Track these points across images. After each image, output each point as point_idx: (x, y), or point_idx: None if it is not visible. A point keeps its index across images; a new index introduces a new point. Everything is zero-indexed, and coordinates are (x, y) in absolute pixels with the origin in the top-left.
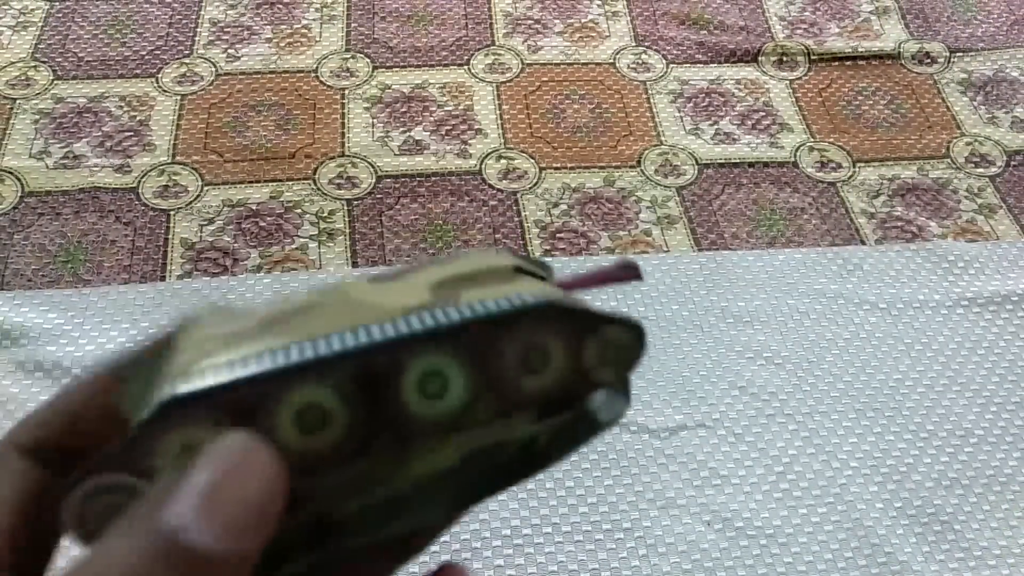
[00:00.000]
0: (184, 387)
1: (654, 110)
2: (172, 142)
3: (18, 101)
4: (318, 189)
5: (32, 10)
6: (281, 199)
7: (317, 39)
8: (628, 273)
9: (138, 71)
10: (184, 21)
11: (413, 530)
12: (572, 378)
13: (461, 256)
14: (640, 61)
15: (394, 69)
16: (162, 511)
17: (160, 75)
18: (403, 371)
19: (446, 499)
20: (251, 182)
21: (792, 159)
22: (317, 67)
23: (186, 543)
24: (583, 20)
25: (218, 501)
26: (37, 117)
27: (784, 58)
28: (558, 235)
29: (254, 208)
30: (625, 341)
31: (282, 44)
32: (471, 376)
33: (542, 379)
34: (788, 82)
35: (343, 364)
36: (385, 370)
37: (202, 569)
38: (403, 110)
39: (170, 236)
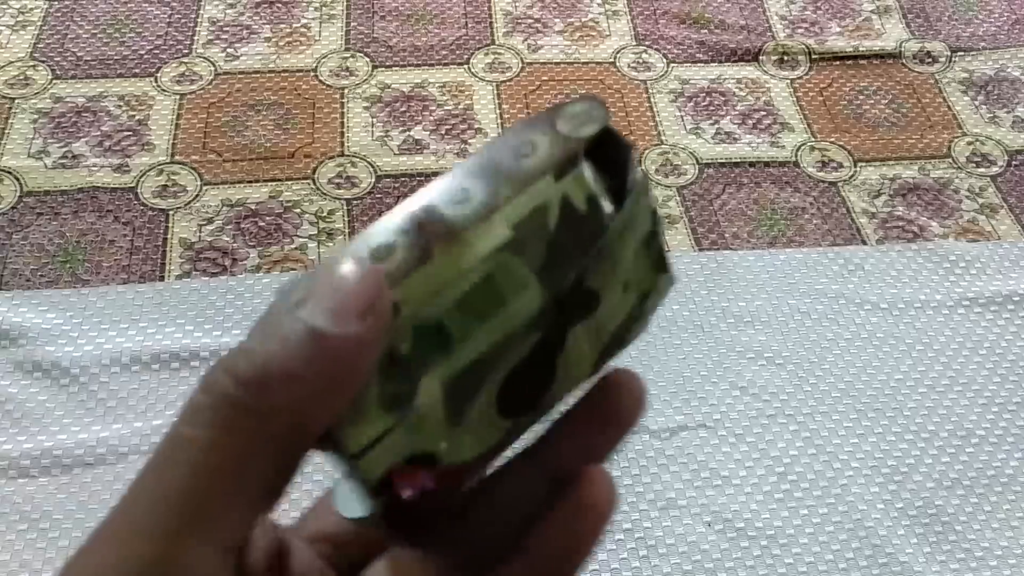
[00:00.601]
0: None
1: (655, 109)
2: (171, 142)
3: (17, 101)
4: (317, 189)
5: (31, 9)
6: (280, 199)
7: (316, 38)
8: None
9: (137, 70)
10: (183, 20)
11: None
12: (561, 147)
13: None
14: (641, 60)
15: (394, 68)
16: (297, 307)
17: (159, 74)
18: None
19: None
20: (250, 182)
21: (793, 159)
22: (316, 66)
23: (310, 325)
24: (583, 19)
25: (335, 299)
26: (36, 117)
27: (785, 57)
28: None
29: (253, 208)
30: (581, 110)
31: (281, 43)
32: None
33: (536, 158)
34: (789, 81)
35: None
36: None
37: (325, 344)
38: (403, 109)
39: (169, 236)
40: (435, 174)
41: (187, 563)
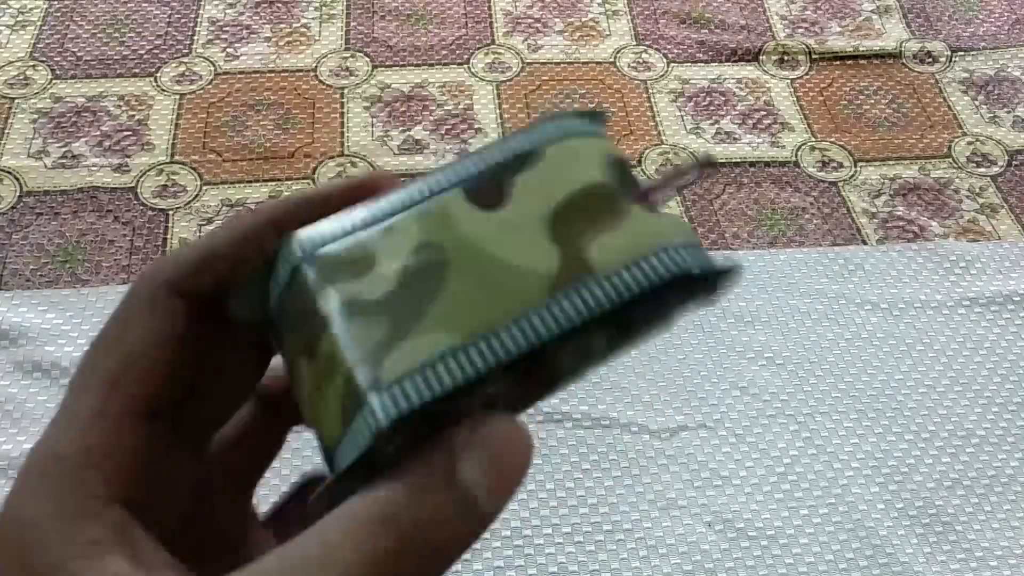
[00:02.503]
0: (389, 406)
1: (655, 109)
2: (171, 141)
3: (16, 100)
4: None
5: (31, 9)
6: (280, 199)
7: (316, 38)
8: (705, 168)
9: (137, 70)
10: (183, 20)
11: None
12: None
13: (545, 155)
14: (641, 60)
15: (393, 68)
16: (458, 471)
17: (159, 74)
18: (560, 351)
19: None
20: (250, 182)
21: (793, 159)
22: (316, 66)
23: (474, 498)
24: (583, 19)
25: (498, 469)
26: (35, 116)
27: (785, 57)
28: None
29: (253, 208)
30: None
31: (281, 43)
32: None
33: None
34: (789, 81)
35: (516, 358)
36: (545, 354)
37: (481, 520)
38: (403, 109)
39: (169, 236)
40: None
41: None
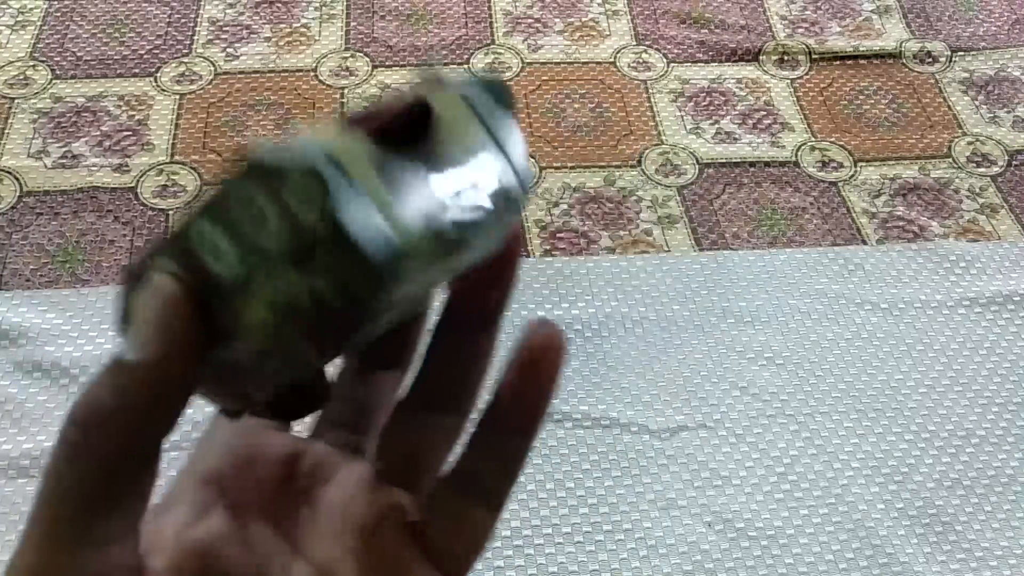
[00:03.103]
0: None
1: (655, 109)
2: (171, 141)
3: (16, 100)
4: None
5: (31, 9)
6: None
7: (316, 38)
8: (414, 106)
9: (137, 70)
10: (183, 20)
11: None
12: (294, 226)
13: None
14: (641, 60)
15: (394, 68)
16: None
17: (159, 74)
18: (191, 235)
19: (290, 352)
20: None
21: (793, 159)
22: (316, 66)
23: (119, 358)
24: (583, 19)
25: (134, 324)
26: (35, 116)
27: (785, 57)
28: (558, 235)
29: None
30: (306, 186)
31: (281, 43)
32: (229, 239)
33: (271, 234)
34: (789, 81)
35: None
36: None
37: (130, 374)
38: None
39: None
40: None
41: (60, 564)
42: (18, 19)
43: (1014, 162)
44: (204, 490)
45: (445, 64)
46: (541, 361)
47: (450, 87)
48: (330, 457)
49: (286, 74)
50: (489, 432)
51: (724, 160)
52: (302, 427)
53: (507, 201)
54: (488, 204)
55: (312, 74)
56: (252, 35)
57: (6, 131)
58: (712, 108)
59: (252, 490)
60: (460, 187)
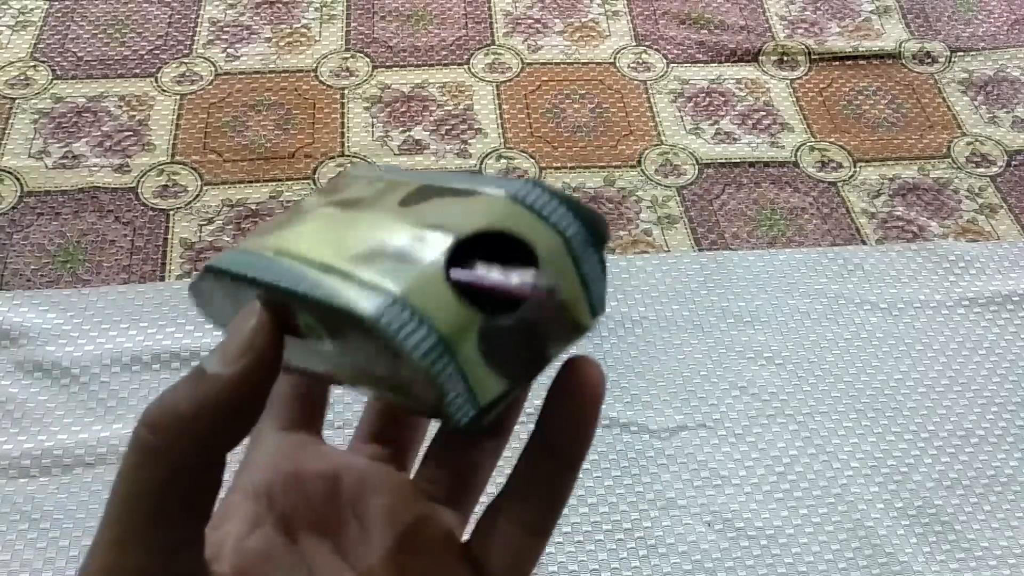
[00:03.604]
0: (219, 260)
1: (654, 110)
2: (171, 142)
3: (17, 101)
4: (317, 188)
5: (31, 9)
6: (281, 199)
7: (317, 38)
8: (514, 289)
9: (137, 71)
10: (183, 21)
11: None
12: (398, 382)
13: (477, 194)
14: (640, 61)
15: (394, 68)
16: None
17: (159, 75)
18: (293, 314)
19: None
20: (250, 182)
21: (793, 159)
22: (317, 66)
23: (205, 368)
24: (583, 19)
25: (224, 343)
26: (36, 117)
27: (785, 58)
28: None
29: (253, 208)
30: (422, 379)
31: (282, 43)
32: (329, 336)
33: (378, 369)
34: (789, 82)
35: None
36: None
37: (212, 385)
38: (403, 110)
39: (169, 236)
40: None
41: (132, 568)
42: (19, 19)
43: (1013, 162)
44: (255, 504)
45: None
46: (586, 398)
47: (552, 220)
48: (373, 472)
49: (286, 74)
50: (537, 463)
51: (724, 160)
52: (342, 440)
53: (578, 333)
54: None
55: (312, 74)
56: (252, 35)
57: (7, 131)
58: (712, 108)
59: (300, 504)
60: (546, 335)
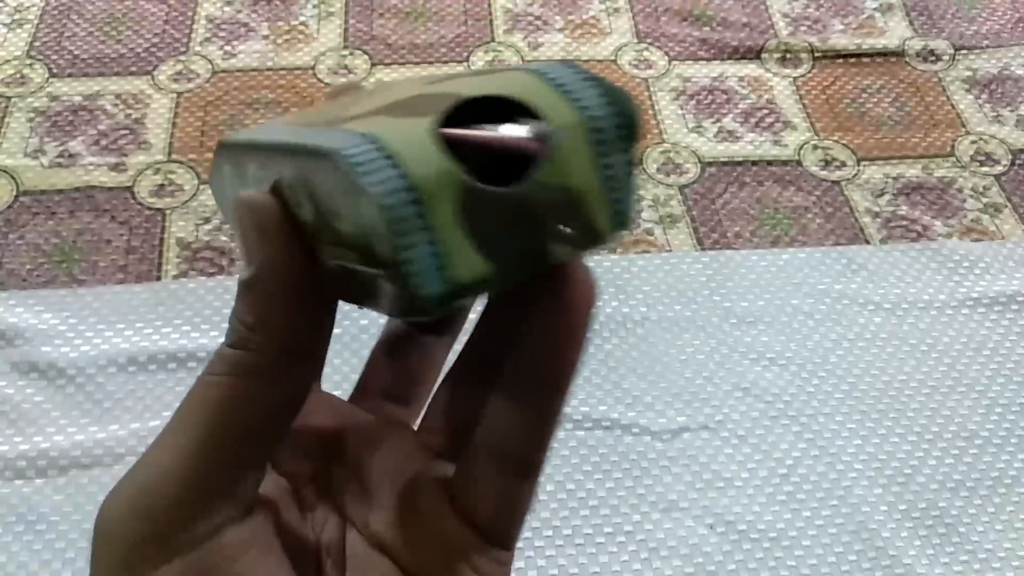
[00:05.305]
0: (231, 135)
1: (656, 108)
2: (168, 140)
3: (13, 99)
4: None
5: (27, 7)
6: None
7: (315, 36)
8: (523, 143)
9: (134, 68)
10: (180, 18)
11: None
12: (361, 240)
13: (511, 70)
14: (642, 58)
15: (393, 66)
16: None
17: (156, 72)
18: (282, 181)
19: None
20: None
21: (796, 157)
22: (315, 64)
23: (242, 277)
24: (584, 16)
25: (243, 244)
26: (32, 115)
27: (787, 55)
28: None
29: None
30: (377, 224)
31: (279, 41)
32: (306, 196)
33: (343, 225)
34: (792, 79)
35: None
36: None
37: (250, 287)
38: None
39: (166, 236)
40: None
41: (200, 479)
42: (15, 17)
43: (1017, 161)
44: None
45: (447, 61)
46: (578, 306)
47: (575, 96)
48: (376, 428)
49: (284, 72)
50: (516, 390)
51: (726, 159)
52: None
53: (593, 239)
54: (570, 250)
55: (311, 72)
56: (250, 33)
57: (2, 130)
58: (714, 106)
59: (302, 461)
60: (547, 227)
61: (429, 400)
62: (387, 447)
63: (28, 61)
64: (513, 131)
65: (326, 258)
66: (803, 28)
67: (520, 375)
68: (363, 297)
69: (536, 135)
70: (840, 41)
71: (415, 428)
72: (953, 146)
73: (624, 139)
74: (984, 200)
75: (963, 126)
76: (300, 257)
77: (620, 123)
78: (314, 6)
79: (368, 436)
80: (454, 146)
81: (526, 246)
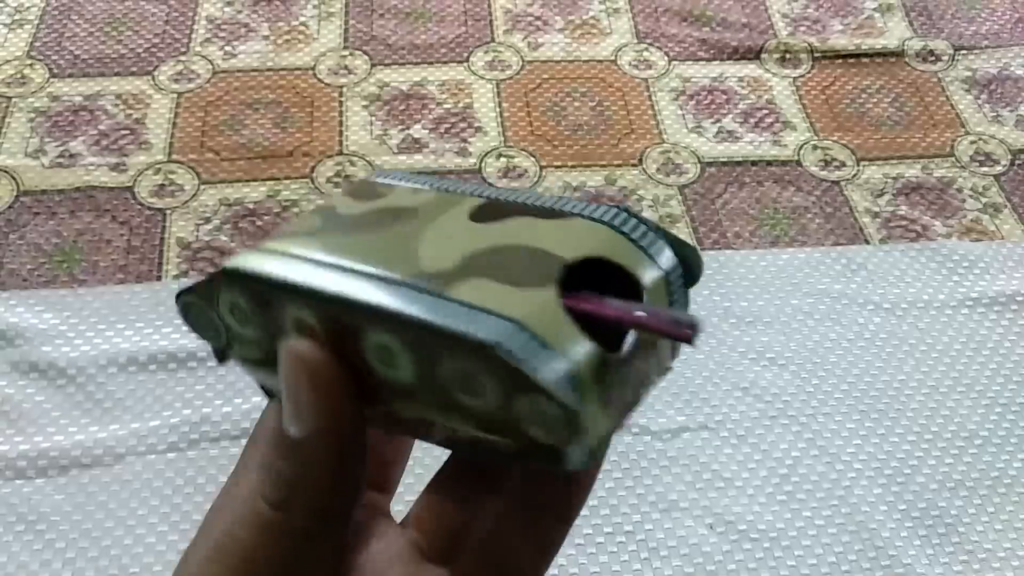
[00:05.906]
0: (249, 263)
1: (656, 108)
2: (168, 140)
3: (14, 99)
4: (316, 188)
5: (28, 7)
6: (278, 198)
7: (315, 36)
8: (681, 332)
9: (134, 69)
10: (180, 19)
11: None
12: (503, 417)
13: (567, 216)
14: (642, 58)
15: (393, 66)
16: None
17: (156, 73)
18: (360, 335)
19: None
20: (248, 181)
21: (795, 158)
22: (315, 64)
23: (288, 433)
24: (584, 17)
25: (293, 402)
26: (33, 115)
27: (787, 55)
28: None
29: (251, 207)
30: (551, 415)
31: (279, 41)
32: (414, 363)
33: (476, 402)
34: (791, 80)
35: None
36: (350, 327)
37: (297, 449)
38: (402, 108)
39: (166, 236)
40: (433, 172)
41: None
42: (15, 17)
43: (1017, 161)
44: None
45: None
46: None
47: (651, 251)
48: (364, 521)
49: (284, 72)
50: (527, 514)
51: (726, 159)
52: None
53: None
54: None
55: (311, 72)
56: (250, 33)
57: (3, 130)
58: (714, 107)
59: None
60: (647, 382)
61: (419, 498)
62: (378, 546)
63: (28, 61)
64: (662, 316)
65: (399, 410)
66: (803, 28)
67: (531, 507)
68: (442, 443)
69: (687, 324)
70: (840, 41)
71: (399, 522)
72: (953, 146)
73: (686, 285)
74: (984, 200)
75: (963, 126)
76: (357, 426)
77: (688, 273)
78: (314, 6)
79: (356, 532)
80: (576, 312)
81: (632, 396)
